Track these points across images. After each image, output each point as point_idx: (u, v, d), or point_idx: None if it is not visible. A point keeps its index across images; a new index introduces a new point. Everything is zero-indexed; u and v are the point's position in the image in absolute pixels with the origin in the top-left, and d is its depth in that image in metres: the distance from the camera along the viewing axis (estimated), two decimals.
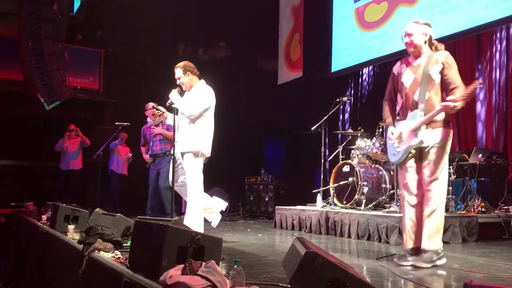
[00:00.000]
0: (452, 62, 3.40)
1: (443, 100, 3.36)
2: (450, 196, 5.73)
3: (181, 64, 4.70)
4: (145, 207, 6.40)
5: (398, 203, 5.40)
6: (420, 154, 3.44)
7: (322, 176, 6.78)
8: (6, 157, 9.95)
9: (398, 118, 3.60)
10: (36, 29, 8.11)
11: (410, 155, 3.47)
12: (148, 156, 6.65)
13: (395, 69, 3.64)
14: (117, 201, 9.27)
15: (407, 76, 3.50)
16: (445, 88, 3.39)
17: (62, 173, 9.04)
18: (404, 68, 3.56)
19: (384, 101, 3.70)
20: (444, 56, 3.42)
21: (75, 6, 12.25)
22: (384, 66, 9.13)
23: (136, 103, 10.41)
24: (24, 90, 8.49)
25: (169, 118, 4.83)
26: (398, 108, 3.57)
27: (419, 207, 3.41)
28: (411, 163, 3.47)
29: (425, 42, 3.49)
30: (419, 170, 3.43)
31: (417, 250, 3.44)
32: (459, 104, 3.27)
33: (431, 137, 3.36)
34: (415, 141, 3.39)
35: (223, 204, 4.86)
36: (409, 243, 3.49)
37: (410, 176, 3.47)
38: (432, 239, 3.34)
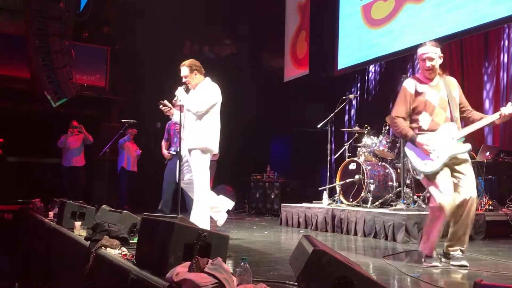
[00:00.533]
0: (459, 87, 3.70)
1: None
2: None
3: (187, 62, 4.69)
4: (155, 204, 6.39)
5: (405, 201, 5.38)
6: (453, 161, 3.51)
7: (328, 174, 6.77)
8: (13, 154, 9.99)
9: (420, 132, 3.58)
10: (43, 26, 8.13)
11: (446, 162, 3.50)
12: (167, 152, 6.62)
13: (412, 89, 3.66)
14: (125, 198, 9.30)
15: (433, 94, 3.58)
16: (459, 108, 3.62)
17: (65, 170, 9.05)
18: (423, 87, 3.63)
19: (397, 118, 3.66)
20: (456, 81, 3.68)
21: (81, 3, 12.29)
22: (390, 64, 9.10)
23: (142, 101, 10.48)
24: (31, 87, 8.52)
25: (176, 114, 4.83)
26: (422, 123, 3.57)
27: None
28: (447, 170, 3.49)
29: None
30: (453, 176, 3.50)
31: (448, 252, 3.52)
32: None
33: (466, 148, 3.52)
34: (463, 148, 3.47)
35: (229, 204, 4.86)
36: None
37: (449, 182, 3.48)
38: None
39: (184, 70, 4.67)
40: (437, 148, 3.47)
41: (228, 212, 4.98)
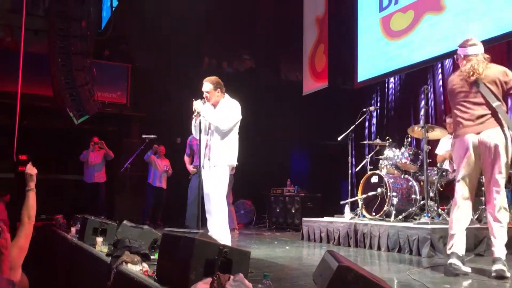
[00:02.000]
0: (506, 70, 3.67)
1: None
2: (483, 207, 5.55)
3: (211, 79, 4.73)
4: (178, 220, 6.39)
5: (429, 214, 5.26)
6: None
7: (349, 187, 6.68)
8: (37, 171, 10.15)
9: None
10: (65, 45, 8.31)
11: None
12: (192, 167, 6.64)
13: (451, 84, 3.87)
14: (148, 214, 9.33)
15: (464, 84, 3.70)
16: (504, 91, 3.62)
17: (88, 186, 9.15)
18: (459, 81, 3.76)
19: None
20: (501, 68, 3.69)
21: (103, 22, 12.55)
22: (410, 75, 9.00)
23: (163, 117, 10.58)
24: (54, 105, 8.67)
25: (197, 129, 4.81)
26: None
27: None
28: None
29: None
30: None
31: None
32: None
33: None
34: None
35: (227, 239, 4.65)
36: None
37: None
38: None
39: (207, 86, 4.70)
40: None
41: (248, 227, 4.95)
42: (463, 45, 3.79)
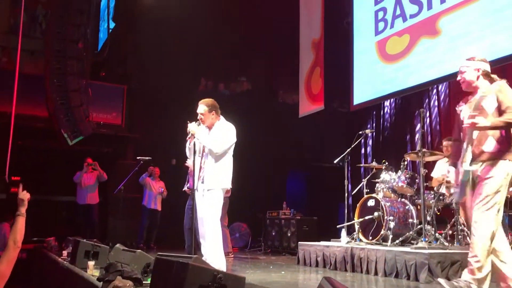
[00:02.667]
0: (505, 89, 3.37)
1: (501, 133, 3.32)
2: None
3: (206, 101, 4.69)
4: (177, 243, 6.28)
5: (427, 239, 5.20)
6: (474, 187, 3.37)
7: (346, 211, 6.61)
8: (29, 192, 10.03)
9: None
10: (61, 66, 8.32)
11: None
12: (186, 188, 6.59)
13: (457, 108, 3.65)
14: (142, 237, 9.20)
15: (465, 112, 3.49)
16: (500, 114, 3.34)
17: (81, 208, 9.04)
18: (462, 106, 3.58)
19: (454, 141, 3.70)
20: (498, 85, 3.41)
21: (99, 43, 12.61)
22: (406, 98, 9.04)
23: (158, 138, 10.55)
24: (48, 125, 8.62)
25: (190, 152, 4.79)
26: (463, 145, 3.49)
27: None
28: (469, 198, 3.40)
29: (478, 78, 3.49)
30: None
31: None
32: (484, 122, 3.22)
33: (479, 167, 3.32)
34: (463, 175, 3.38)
35: (222, 263, 4.55)
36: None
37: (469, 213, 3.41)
38: None
39: (202, 108, 4.66)
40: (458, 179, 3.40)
41: (243, 251, 4.87)
42: None
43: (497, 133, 3.33)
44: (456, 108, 3.66)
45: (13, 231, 2.92)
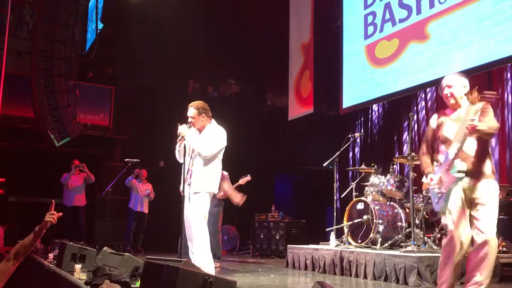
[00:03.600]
0: (488, 109, 3.34)
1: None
2: None
3: (196, 104, 4.67)
4: (165, 246, 6.21)
5: (415, 242, 5.22)
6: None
7: (335, 214, 6.61)
8: (15, 194, 9.90)
9: (437, 165, 3.49)
10: (48, 67, 8.21)
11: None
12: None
13: (433, 122, 3.59)
14: (129, 239, 9.12)
15: (450, 128, 3.43)
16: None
17: (68, 210, 8.90)
18: (443, 119, 3.51)
19: (422, 154, 3.61)
20: (481, 105, 3.32)
21: (87, 44, 12.49)
22: (394, 102, 9.10)
23: (146, 140, 10.47)
24: (34, 126, 8.50)
25: (179, 155, 4.74)
26: (440, 158, 3.43)
27: None
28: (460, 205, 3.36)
29: (464, 95, 3.46)
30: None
31: None
32: (479, 124, 3.19)
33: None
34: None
35: (211, 267, 4.52)
36: None
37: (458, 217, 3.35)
38: None
39: (192, 111, 4.64)
40: (444, 185, 3.36)
41: (232, 253, 4.84)
42: None
43: (488, 152, 3.37)
44: (433, 123, 3.58)
45: (20, 244, 2.70)
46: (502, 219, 5.84)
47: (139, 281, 3.11)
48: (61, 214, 2.76)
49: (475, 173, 3.30)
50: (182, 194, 4.52)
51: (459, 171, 3.28)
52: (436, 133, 3.54)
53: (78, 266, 4.34)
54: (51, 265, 5.11)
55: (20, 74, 9.52)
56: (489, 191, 3.30)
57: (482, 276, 3.24)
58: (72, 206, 8.88)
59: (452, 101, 3.45)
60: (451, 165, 3.29)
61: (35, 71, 8.20)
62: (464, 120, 3.29)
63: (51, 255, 5.73)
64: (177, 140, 4.61)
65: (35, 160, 9.90)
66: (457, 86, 3.44)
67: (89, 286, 3.43)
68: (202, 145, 4.51)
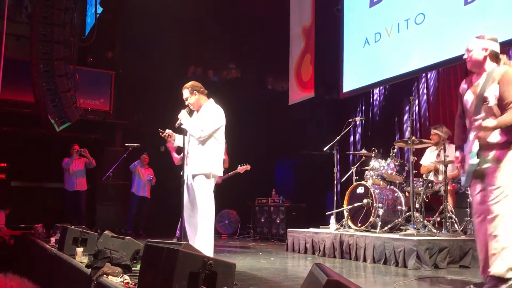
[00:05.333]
0: (508, 78, 3.13)
1: None
2: (469, 218, 5.56)
3: (188, 84, 4.66)
4: (166, 230, 6.22)
5: (415, 226, 5.24)
6: (480, 176, 3.24)
7: (335, 198, 6.63)
8: (16, 179, 9.93)
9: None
10: (47, 51, 8.16)
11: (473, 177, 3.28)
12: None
13: (460, 89, 3.44)
14: (131, 223, 9.19)
15: (468, 97, 3.30)
16: (501, 107, 3.14)
17: (69, 194, 8.95)
18: (465, 88, 3.37)
19: (455, 125, 3.50)
20: (500, 73, 3.16)
21: (86, 28, 12.41)
22: (395, 86, 9.07)
23: (146, 125, 10.45)
24: (35, 111, 8.49)
25: (178, 139, 4.75)
26: (470, 136, 3.31)
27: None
28: (474, 185, 3.30)
29: (486, 58, 3.24)
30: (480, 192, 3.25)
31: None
32: (491, 124, 3.07)
33: (486, 158, 3.17)
34: (468, 167, 3.24)
35: (210, 250, 4.58)
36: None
37: (474, 199, 3.31)
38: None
39: (185, 92, 4.63)
40: (466, 162, 3.27)
41: (232, 237, 4.85)
42: None
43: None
44: (460, 89, 3.43)
45: None
46: None
47: (140, 264, 3.13)
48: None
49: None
50: (182, 178, 4.51)
51: (472, 162, 3.17)
52: (461, 101, 3.40)
53: (79, 250, 4.38)
54: (53, 248, 5.17)
55: (19, 59, 9.49)
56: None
57: None
58: (74, 190, 8.94)
59: (470, 65, 3.29)
60: (470, 148, 3.21)
61: (35, 56, 8.16)
62: (478, 92, 3.17)
63: (53, 239, 5.77)
64: (176, 124, 4.59)
65: (36, 145, 9.92)
66: (476, 49, 3.24)
67: (90, 269, 3.46)
68: (194, 126, 4.47)
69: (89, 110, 9.92)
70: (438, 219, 5.75)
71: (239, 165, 7.32)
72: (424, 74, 8.42)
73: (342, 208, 6.30)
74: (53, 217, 8.81)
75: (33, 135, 9.77)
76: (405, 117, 9.09)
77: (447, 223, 5.37)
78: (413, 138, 5.50)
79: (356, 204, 5.99)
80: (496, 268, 3.06)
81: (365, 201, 5.88)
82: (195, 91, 4.60)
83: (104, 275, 3.25)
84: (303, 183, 11.48)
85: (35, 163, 9.85)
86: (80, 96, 8.94)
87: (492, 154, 3.15)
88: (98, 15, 10.82)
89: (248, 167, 7.28)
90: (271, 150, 11.42)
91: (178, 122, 4.53)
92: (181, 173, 4.52)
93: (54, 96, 8.10)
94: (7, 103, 8.97)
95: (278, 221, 8.71)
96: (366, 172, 6.36)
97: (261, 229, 9.11)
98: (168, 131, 4.76)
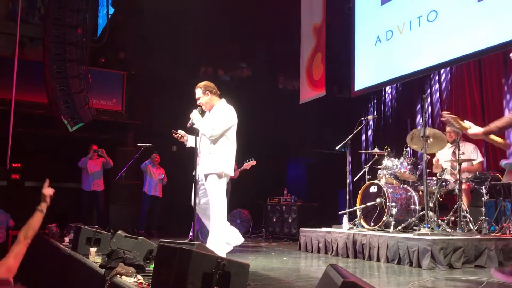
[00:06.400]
0: None
1: None
2: (483, 217, 5.49)
3: (201, 84, 4.66)
4: (178, 229, 6.22)
5: (429, 225, 5.19)
6: None
7: (347, 197, 6.59)
8: (30, 179, 10.03)
9: None
10: (60, 52, 8.22)
11: None
12: None
13: None
14: (143, 223, 9.22)
15: None
16: None
17: (85, 194, 9.02)
18: None
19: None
20: None
21: (98, 29, 12.49)
22: (407, 84, 9.00)
23: (158, 124, 10.49)
24: (48, 112, 8.57)
25: (190, 140, 4.75)
26: None
27: None
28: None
29: None
30: None
31: None
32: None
33: None
34: None
35: (239, 239, 4.65)
36: None
37: None
38: None
39: (198, 92, 4.64)
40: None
41: (244, 237, 4.84)
42: None
43: None
44: None
45: (27, 224, 2.82)
46: None
47: (153, 264, 3.13)
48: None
49: None
50: (194, 177, 4.52)
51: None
52: None
53: (93, 250, 4.40)
54: (66, 248, 5.21)
55: (33, 60, 9.58)
56: None
57: None
58: (90, 190, 9.00)
59: None
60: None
61: (48, 57, 8.23)
62: None
63: (66, 239, 5.81)
64: (187, 124, 4.60)
65: (49, 145, 10.00)
66: None
67: (104, 269, 3.47)
68: (205, 125, 4.48)
69: (101, 110, 9.98)
70: (452, 218, 5.68)
71: (244, 162, 7.30)
72: (436, 72, 8.34)
73: (355, 208, 6.26)
74: (68, 216, 8.88)
75: (46, 135, 9.86)
76: (418, 115, 9.01)
77: (462, 222, 5.30)
78: (427, 135, 5.42)
79: (369, 204, 5.94)
80: None
81: (378, 200, 5.83)
82: (207, 91, 4.61)
83: (118, 275, 3.25)
84: (315, 182, 11.45)
85: (48, 163, 9.93)
86: (92, 97, 9.00)
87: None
88: (109, 16, 10.89)
89: (253, 162, 7.25)
90: (282, 149, 11.41)
91: (190, 121, 4.54)
92: (193, 173, 4.53)
93: (67, 97, 8.16)
94: (21, 104, 9.05)
95: (290, 221, 8.69)
96: (379, 171, 6.32)
97: (273, 228, 9.10)
98: (180, 131, 4.78)
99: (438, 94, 8.63)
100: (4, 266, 2.58)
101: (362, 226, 6.02)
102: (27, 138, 9.72)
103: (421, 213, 5.61)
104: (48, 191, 3.09)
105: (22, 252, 2.73)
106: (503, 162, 3.26)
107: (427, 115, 8.51)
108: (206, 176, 4.46)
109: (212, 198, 4.43)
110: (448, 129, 6.23)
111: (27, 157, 9.51)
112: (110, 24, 10.61)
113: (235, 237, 4.64)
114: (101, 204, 9.11)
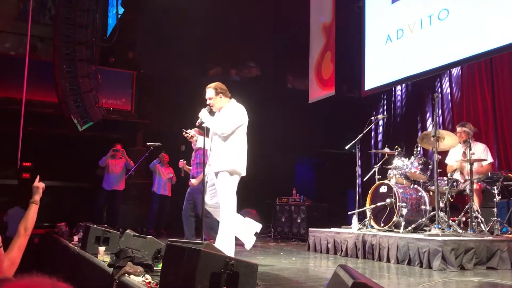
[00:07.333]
0: None
1: None
2: (495, 218, 5.42)
3: (213, 85, 4.63)
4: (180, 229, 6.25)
5: (440, 226, 5.12)
6: None
7: (357, 197, 6.54)
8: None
9: None
10: (70, 52, 8.28)
11: None
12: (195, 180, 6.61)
13: None
14: (153, 222, 9.22)
15: None
16: None
17: (105, 192, 9.00)
18: None
19: None
20: None
21: (108, 29, 12.55)
22: (417, 83, 8.92)
23: (168, 124, 10.51)
24: (58, 111, 8.62)
25: (199, 141, 4.74)
26: None
27: None
28: None
29: None
30: None
31: None
32: None
33: None
34: None
35: (257, 226, 4.69)
36: None
37: None
38: None
39: (210, 92, 4.61)
40: None
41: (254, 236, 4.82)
42: None
43: None
44: None
45: (25, 218, 2.92)
46: None
47: (161, 263, 3.12)
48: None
49: None
50: (203, 177, 4.51)
51: None
52: None
53: (102, 249, 4.41)
54: (76, 247, 5.23)
55: (43, 60, 9.65)
56: None
57: None
58: (111, 189, 8.99)
59: None
60: None
61: (58, 56, 8.29)
62: None
63: (75, 238, 5.83)
64: (196, 123, 4.58)
65: (59, 144, 10.06)
66: None
67: (112, 268, 3.47)
68: (217, 123, 4.46)
69: (111, 109, 10.02)
70: (463, 219, 5.61)
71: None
72: (447, 71, 8.26)
73: (364, 208, 6.21)
74: (80, 215, 8.92)
75: (56, 135, 9.91)
76: (428, 114, 8.93)
77: (473, 223, 5.24)
78: (438, 135, 5.36)
79: (379, 204, 5.89)
80: None
81: (388, 200, 5.78)
82: (220, 94, 4.58)
83: (126, 274, 3.25)
84: (324, 182, 11.41)
85: (58, 162, 10.00)
86: (102, 96, 9.04)
87: None
88: (119, 16, 10.94)
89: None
90: (291, 149, 11.37)
91: (198, 120, 4.53)
92: (202, 174, 4.52)
93: (76, 96, 8.21)
94: (32, 103, 9.12)
95: (299, 221, 8.65)
96: (389, 171, 6.25)
97: (282, 228, 9.06)
98: (190, 131, 4.76)
99: (449, 93, 8.55)
100: (7, 259, 2.65)
101: (372, 227, 5.96)
102: (37, 137, 9.78)
103: (431, 213, 5.54)
104: (39, 184, 3.19)
105: (24, 244, 2.82)
106: None
107: (437, 114, 8.42)
108: (217, 173, 4.43)
109: (222, 196, 4.40)
110: (458, 129, 6.16)
111: (37, 156, 9.57)
112: (120, 23, 10.66)
113: (253, 226, 4.64)
114: (119, 203, 9.11)
